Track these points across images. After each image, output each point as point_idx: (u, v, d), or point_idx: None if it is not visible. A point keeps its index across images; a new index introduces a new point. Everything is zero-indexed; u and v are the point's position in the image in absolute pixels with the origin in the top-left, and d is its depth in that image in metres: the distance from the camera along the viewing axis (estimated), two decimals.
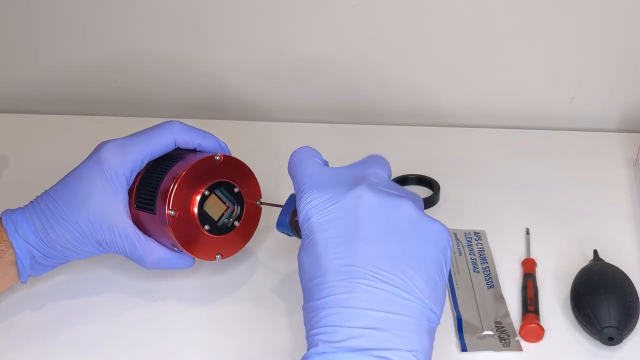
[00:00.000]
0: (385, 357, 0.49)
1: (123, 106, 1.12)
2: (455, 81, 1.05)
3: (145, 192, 0.71)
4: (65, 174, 0.73)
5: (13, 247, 0.69)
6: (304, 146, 0.63)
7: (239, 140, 1.03)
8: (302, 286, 0.55)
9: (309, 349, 0.52)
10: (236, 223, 0.73)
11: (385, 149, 1.00)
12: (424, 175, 0.92)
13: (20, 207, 0.72)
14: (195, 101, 1.11)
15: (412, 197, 0.58)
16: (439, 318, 0.54)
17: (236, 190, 0.73)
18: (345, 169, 0.60)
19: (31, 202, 0.72)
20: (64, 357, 0.71)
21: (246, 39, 1.05)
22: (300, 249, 0.56)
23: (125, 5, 1.04)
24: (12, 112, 1.13)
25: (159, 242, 0.72)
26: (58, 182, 0.72)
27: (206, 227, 0.71)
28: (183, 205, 0.70)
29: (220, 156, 0.72)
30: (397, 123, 1.06)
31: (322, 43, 1.04)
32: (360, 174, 0.58)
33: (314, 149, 0.63)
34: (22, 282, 0.72)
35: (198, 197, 0.70)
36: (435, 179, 0.91)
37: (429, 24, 1.01)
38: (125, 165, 0.70)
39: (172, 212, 0.69)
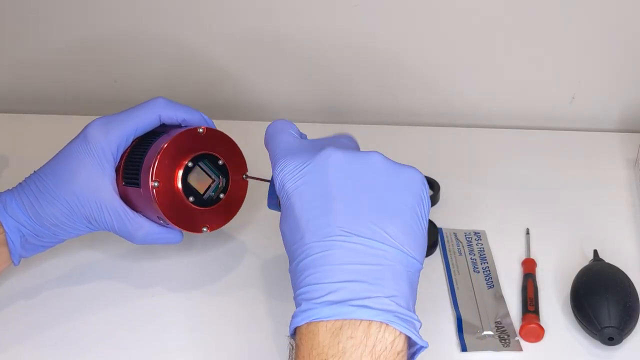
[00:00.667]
0: (364, 305, 0.51)
1: (123, 106, 1.11)
2: (456, 81, 1.05)
3: (131, 167, 0.72)
4: None
5: (2, 225, 0.70)
6: (279, 119, 0.65)
7: (239, 140, 1.03)
8: (285, 250, 0.57)
9: (296, 308, 0.53)
10: (222, 196, 0.73)
11: (385, 149, 1.00)
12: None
13: (9, 189, 0.73)
14: (195, 101, 1.11)
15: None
16: (421, 262, 0.55)
17: (220, 162, 0.73)
18: (315, 139, 0.63)
19: (19, 183, 0.73)
20: (58, 351, 0.71)
21: (247, 40, 1.05)
22: (281, 216, 0.58)
23: (125, 5, 1.04)
24: (12, 112, 1.13)
25: (146, 217, 0.72)
26: (46, 162, 0.73)
27: (191, 199, 0.71)
28: (167, 177, 0.70)
29: (204, 129, 0.72)
30: (397, 123, 1.06)
31: (322, 43, 1.04)
32: (329, 140, 0.61)
33: (289, 122, 0.64)
34: (14, 263, 0.72)
35: (181, 169, 0.70)
36: (435, 179, 0.91)
37: (428, 24, 1.01)
38: (111, 142, 0.71)
39: (156, 184, 0.69)
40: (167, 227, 0.72)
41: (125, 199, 0.72)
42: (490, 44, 1.01)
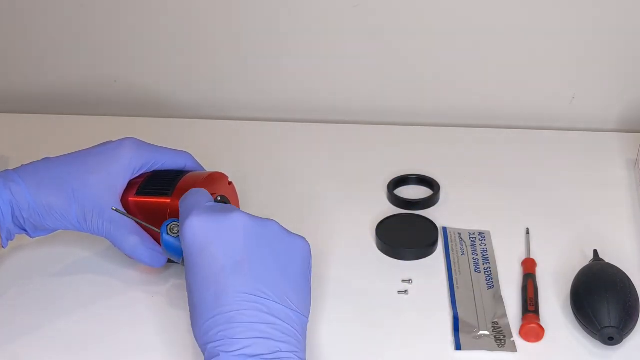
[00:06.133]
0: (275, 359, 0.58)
1: (123, 106, 1.12)
2: (456, 81, 1.05)
3: (160, 181, 0.76)
4: None
5: None
6: (198, 188, 0.70)
7: (238, 140, 1.03)
8: (190, 304, 0.62)
9: (208, 358, 0.58)
10: None
11: (385, 149, 1.01)
12: (424, 175, 0.92)
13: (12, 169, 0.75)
14: (194, 101, 1.11)
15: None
16: (308, 318, 0.63)
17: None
18: (221, 204, 0.68)
19: (23, 165, 0.75)
20: (56, 350, 0.71)
21: (246, 38, 1.05)
22: (186, 270, 0.63)
23: (125, 5, 1.04)
24: (12, 112, 1.13)
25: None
26: (63, 155, 0.76)
27: None
28: None
29: (231, 182, 0.80)
30: (397, 123, 1.06)
31: (322, 43, 1.04)
32: (235, 207, 0.66)
33: (205, 191, 0.70)
34: (3, 243, 0.73)
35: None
36: (435, 179, 0.91)
37: (428, 24, 1.01)
38: (140, 158, 0.76)
39: None
40: (155, 247, 0.75)
41: (127, 210, 0.75)
42: (490, 44, 1.01)
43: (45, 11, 1.06)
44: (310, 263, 0.65)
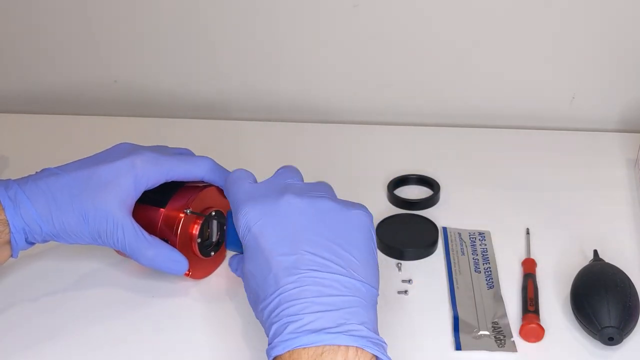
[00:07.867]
0: (341, 332, 0.56)
1: (123, 106, 1.12)
2: (456, 81, 1.05)
3: (158, 191, 0.74)
4: None
5: (9, 225, 0.70)
6: (239, 168, 0.70)
7: (238, 140, 1.03)
8: (251, 291, 0.62)
9: (271, 341, 0.58)
10: (212, 253, 0.78)
11: (385, 149, 1.01)
12: (424, 175, 0.92)
13: (14, 181, 0.72)
14: (195, 101, 1.11)
15: (327, 192, 0.67)
16: (377, 289, 0.62)
17: (225, 228, 0.77)
18: (267, 182, 0.68)
19: (30, 178, 0.72)
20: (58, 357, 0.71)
21: (246, 38, 1.05)
22: (245, 259, 0.63)
23: (125, 5, 1.04)
24: (12, 112, 1.13)
25: None
26: (68, 166, 0.73)
27: (198, 240, 0.75)
28: (196, 210, 0.74)
29: None
30: (397, 123, 1.06)
31: (322, 43, 1.04)
32: (282, 184, 0.66)
33: (248, 171, 0.70)
34: (13, 256, 0.72)
35: (207, 213, 0.75)
36: (435, 179, 0.91)
37: (429, 23, 1.01)
38: (155, 175, 0.73)
39: (188, 211, 0.73)
40: (176, 253, 0.74)
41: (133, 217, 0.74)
42: (490, 44, 1.01)
43: (45, 11, 1.06)
44: (372, 233, 0.64)
